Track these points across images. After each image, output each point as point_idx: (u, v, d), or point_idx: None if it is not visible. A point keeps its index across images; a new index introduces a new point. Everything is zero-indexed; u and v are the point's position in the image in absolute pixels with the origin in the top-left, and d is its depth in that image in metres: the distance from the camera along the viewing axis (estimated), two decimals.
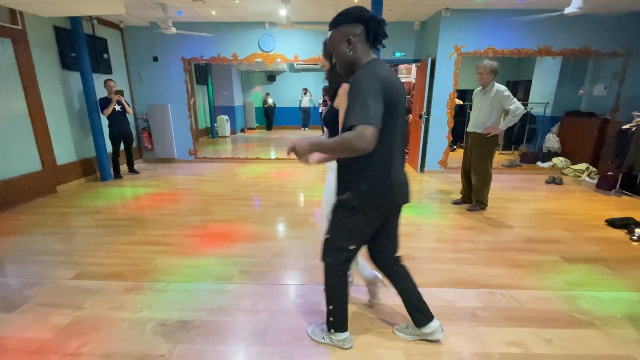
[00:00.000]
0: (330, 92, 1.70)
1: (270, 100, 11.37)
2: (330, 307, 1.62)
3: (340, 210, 1.48)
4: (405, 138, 1.47)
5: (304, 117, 11.41)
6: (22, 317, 1.91)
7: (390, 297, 2.07)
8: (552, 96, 6.51)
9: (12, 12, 3.80)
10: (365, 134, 1.16)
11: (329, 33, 1.43)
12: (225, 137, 9.81)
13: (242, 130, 11.30)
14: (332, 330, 1.66)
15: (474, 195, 3.67)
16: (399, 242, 1.65)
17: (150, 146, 6.25)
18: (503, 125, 3.35)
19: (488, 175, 3.53)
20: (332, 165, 1.75)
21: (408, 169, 5.83)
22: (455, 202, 3.89)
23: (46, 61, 4.31)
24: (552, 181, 4.87)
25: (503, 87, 3.32)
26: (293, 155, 1.40)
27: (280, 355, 1.63)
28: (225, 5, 4.68)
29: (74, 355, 1.63)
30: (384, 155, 1.36)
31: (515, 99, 3.27)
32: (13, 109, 3.88)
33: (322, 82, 11.65)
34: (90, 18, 4.98)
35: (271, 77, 11.70)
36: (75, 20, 4.43)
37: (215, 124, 9.77)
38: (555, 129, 6.19)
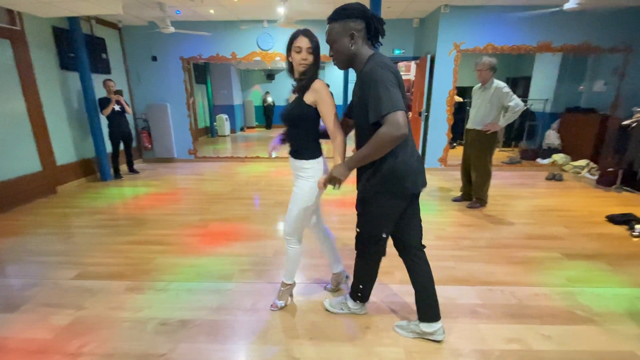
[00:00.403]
0: (300, 87, 1.63)
1: (269, 99, 11.36)
2: (361, 286, 1.77)
3: (366, 202, 1.54)
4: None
5: None
6: (23, 318, 1.92)
7: (389, 295, 2.08)
8: (552, 92, 6.50)
9: (11, 12, 3.79)
10: (399, 120, 1.24)
11: (328, 26, 1.44)
12: (224, 136, 9.80)
13: (242, 129, 11.29)
14: (358, 302, 1.83)
15: (473, 192, 3.67)
16: (421, 227, 1.66)
17: (149, 146, 6.25)
18: (502, 121, 3.35)
19: (488, 172, 3.53)
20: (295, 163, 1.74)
21: None
22: (455, 200, 3.89)
23: (45, 62, 4.30)
24: (552, 178, 4.87)
25: (502, 84, 3.31)
26: (326, 187, 1.53)
27: (281, 353, 1.64)
28: (223, 3, 4.67)
29: (75, 356, 1.63)
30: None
31: (514, 96, 3.26)
32: (12, 109, 3.88)
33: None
34: (89, 18, 4.97)
35: (270, 75, 11.67)
36: (73, 21, 4.42)
37: (215, 123, 9.76)
38: (555, 125, 6.18)
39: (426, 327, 1.66)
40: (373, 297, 2.05)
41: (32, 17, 4.02)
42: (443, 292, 2.10)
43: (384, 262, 2.52)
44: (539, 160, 5.89)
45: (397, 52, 5.73)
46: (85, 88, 4.65)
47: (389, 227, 1.57)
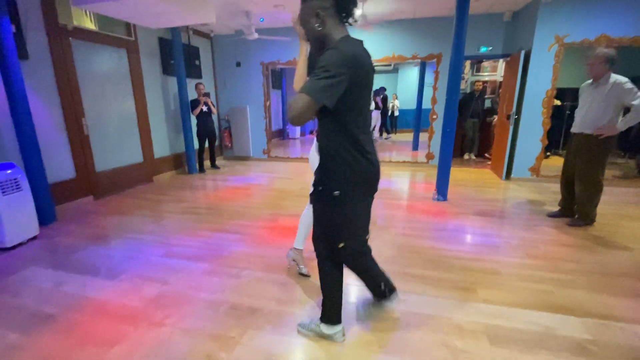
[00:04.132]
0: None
1: None
2: (383, 286, 1.70)
3: (334, 207, 1.47)
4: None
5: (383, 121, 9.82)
6: (121, 285, 2.18)
7: (471, 314, 1.84)
8: None
9: (127, 25, 4.47)
10: (296, 103, 1.19)
11: (300, 8, 1.37)
12: (295, 138, 10.16)
13: (311, 133, 11.57)
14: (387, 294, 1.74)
15: (577, 207, 3.11)
16: None
17: (229, 145, 6.78)
18: (622, 124, 2.77)
19: (598, 185, 2.96)
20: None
21: (490, 175, 5.25)
22: (552, 215, 3.34)
23: (151, 68, 4.96)
24: None
25: (624, 79, 2.74)
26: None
27: (348, 356, 1.55)
28: None
29: (159, 325, 1.78)
30: (353, 135, 1.33)
31: None
32: (125, 110, 4.55)
33: (393, 84, 11.30)
34: (187, 29, 5.61)
35: None
36: (175, 32, 5.02)
37: (287, 126, 10.20)
38: None
39: (326, 328, 1.63)
40: (450, 314, 1.84)
41: (143, 29, 4.67)
42: (539, 319, 1.79)
43: (463, 277, 2.26)
44: None
45: (483, 49, 5.24)
46: (181, 91, 5.24)
47: (367, 227, 1.66)
